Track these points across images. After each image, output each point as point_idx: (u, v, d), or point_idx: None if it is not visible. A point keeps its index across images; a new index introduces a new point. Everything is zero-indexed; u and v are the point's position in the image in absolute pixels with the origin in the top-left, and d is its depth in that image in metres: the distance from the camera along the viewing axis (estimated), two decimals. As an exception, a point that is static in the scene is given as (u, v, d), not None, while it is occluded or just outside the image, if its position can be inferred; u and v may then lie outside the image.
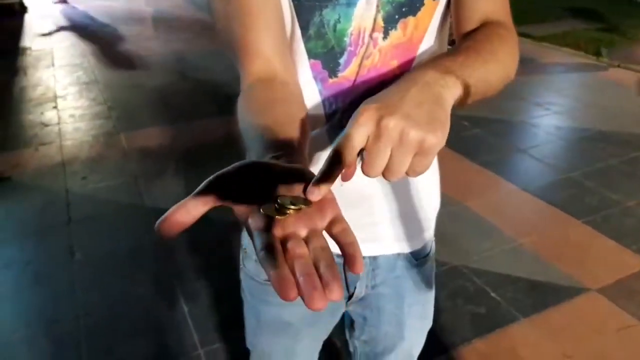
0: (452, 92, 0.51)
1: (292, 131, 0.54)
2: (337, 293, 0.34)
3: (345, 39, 0.70)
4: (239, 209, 0.42)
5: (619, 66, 5.32)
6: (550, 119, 4.07)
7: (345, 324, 1.07)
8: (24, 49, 5.95)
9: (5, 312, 2.12)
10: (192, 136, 3.73)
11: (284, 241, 0.38)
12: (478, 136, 3.63)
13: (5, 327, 2.03)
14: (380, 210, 0.84)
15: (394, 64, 0.73)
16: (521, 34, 6.24)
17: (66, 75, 5.08)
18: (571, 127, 3.96)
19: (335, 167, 0.44)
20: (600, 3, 7.81)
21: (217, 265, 2.36)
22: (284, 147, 0.49)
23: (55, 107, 4.27)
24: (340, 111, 0.75)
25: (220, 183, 0.41)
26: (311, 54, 0.71)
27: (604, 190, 2.99)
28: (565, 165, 3.37)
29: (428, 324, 1.06)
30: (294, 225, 0.39)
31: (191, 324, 2.02)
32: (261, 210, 0.40)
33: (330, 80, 0.73)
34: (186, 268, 2.33)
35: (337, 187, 0.80)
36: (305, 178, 0.43)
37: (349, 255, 0.38)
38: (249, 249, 0.92)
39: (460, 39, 0.72)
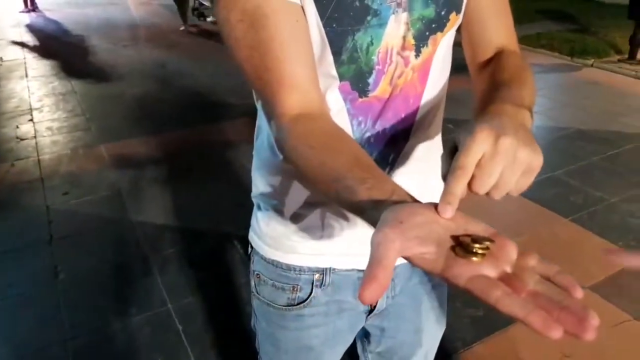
0: (529, 122, 0.56)
1: (371, 163, 0.54)
2: (596, 317, 0.35)
3: (373, 57, 0.69)
4: (426, 259, 0.41)
5: (592, 66, 5.44)
6: (530, 119, 4.13)
7: (357, 338, 1.05)
8: (-5, 60, 5.81)
9: (-11, 337, 2.03)
10: (175, 145, 3.67)
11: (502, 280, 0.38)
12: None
13: (-10, 354, 1.95)
14: None
15: (414, 77, 0.73)
16: (496, 36, 6.34)
17: (41, 86, 4.96)
18: (550, 127, 4.03)
19: (459, 182, 0.45)
20: (571, 5, 8.01)
21: (209, 281, 2.31)
22: (384, 184, 0.50)
23: (31, 120, 4.16)
24: (369, 130, 0.74)
25: (396, 235, 0.40)
26: (342, 77, 0.70)
27: (588, 187, 3.04)
28: (549, 164, 3.40)
29: (442, 328, 1.06)
30: (496, 265, 0.40)
31: (186, 342, 1.97)
32: (457, 253, 0.39)
33: (360, 100, 0.72)
34: (178, 284, 2.28)
35: None
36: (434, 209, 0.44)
37: (568, 284, 0.39)
38: (263, 274, 0.88)
39: (476, 68, 0.75)
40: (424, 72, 0.74)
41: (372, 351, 1.02)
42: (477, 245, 0.39)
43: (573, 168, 3.29)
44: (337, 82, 0.70)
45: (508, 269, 0.40)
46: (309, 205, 0.80)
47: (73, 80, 5.07)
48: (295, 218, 0.82)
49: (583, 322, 0.35)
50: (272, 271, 0.86)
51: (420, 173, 0.80)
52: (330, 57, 0.67)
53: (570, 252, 2.47)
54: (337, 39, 0.66)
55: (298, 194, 0.80)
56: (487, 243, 0.40)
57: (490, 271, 0.39)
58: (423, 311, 0.96)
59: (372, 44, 0.67)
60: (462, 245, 0.40)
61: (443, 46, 0.74)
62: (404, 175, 0.79)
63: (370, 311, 0.91)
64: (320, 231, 0.82)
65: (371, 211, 0.45)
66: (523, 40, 6.23)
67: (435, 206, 0.44)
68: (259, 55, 0.62)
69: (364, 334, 1.01)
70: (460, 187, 0.44)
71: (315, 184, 0.56)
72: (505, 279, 0.38)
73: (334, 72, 0.69)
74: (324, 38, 0.65)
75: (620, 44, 5.79)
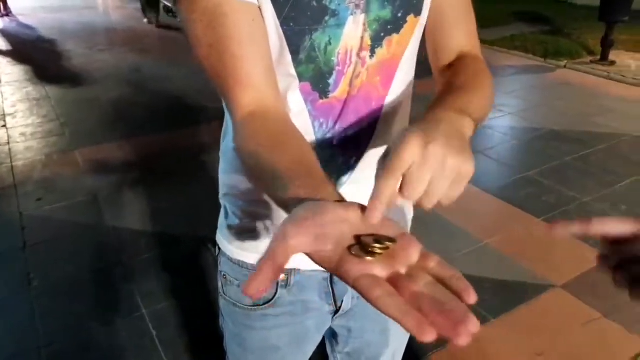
0: (469, 129, 0.55)
1: (313, 163, 0.54)
2: (475, 322, 0.34)
3: (333, 58, 0.70)
4: (322, 256, 0.41)
5: (565, 67, 5.55)
6: (504, 121, 4.20)
7: (326, 338, 1.06)
8: (-33, 66, 5.70)
9: (-40, 347, 2.00)
10: (151, 149, 3.65)
11: (389, 282, 0.38)
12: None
13: (-40, 364, 1.91)
14: None
15: (377, 80, 0.74)
16: (473, 38, 6.43)
17: (15, 91, 4.88)
18: (525, 128, 4.09)
19: (386, 187, 0.45)
20: (545, 7, 8.15)
21: (185, 285, 2.30)
22: (315, 182, 0.50)
23: (4, 126, 4.08)
24: (330, 131, 0.75)
25: (294, 232, 0.40)
26: (301, 77, 0.71)
27: (560, 187, 3.10)
28: (522, 164, 3.47)
29: None
30: (391, 265, 0.39)
31: (160, 348, 1.96)
32: (352, 252, 0.39)
33: (321, 102, 0.73)
34: (152, 289, 2.26)
35: None
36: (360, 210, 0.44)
37: (461, 289, 0.38)
38: (229, 275, 0.89)
39: (439, 72, 0.76)
40: (388, 75, 0.75)
41: (341, 351, 1.03)
42: (377, 246, 0.39)
43: (546, 168, 3.35)
44: (297, 82, 0.71)
45: (402, 270, 0.39)
46: (272, 205, 0.81)
47: (47, 86, 4.99)
48: (260, 219, 0.83)
49: (458, 326, 0.34)
50: (238, 272, 0.87)
51: None
52: (288, 57, 0.68)
53: (542, 251, 2.52)
54: (294, 38, 0.67)
55: (262, 194, 0.80)
56: (388, 243, 0.40)
57: (381, 271, 0.38)
58: None
59: (330, 44, 0.68)
60: (361, 245, 0.40)
61: (410, 49, 0.75)
62: (368, 179, 0.80)
63: (336, 312, 0.92)
64: None
65: (293, 207, 0.45)
66: (497, 42, 6.34)
67: (359, 207, 0.44)
68: (216, 53, 0.63)
69: (332, 335, 1.02)
70: (386, 193, 0.44)
71: (257, 182, 0.57)
72: (395, 279, 0.38)
73: (292, 71, 0.70)
74: (281, 37, 0.66)
75: (592, 46, 5.91)
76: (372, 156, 0.80)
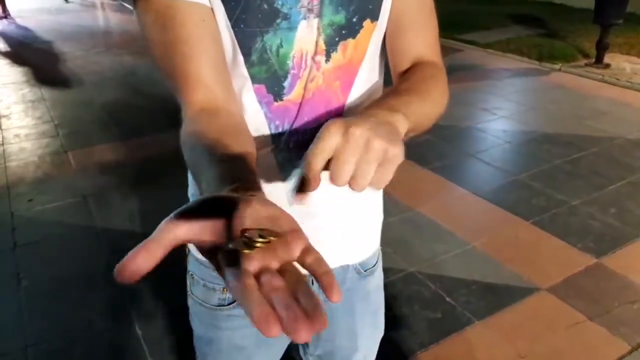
0: (402, 125, 0.55)
1: (245, 162, 0.55)
2: (322, 322, 0.34)
3: (288, 62, 0.71)
4: (205, 246, 0.41)
5: (560, 70, 5.56)
6: (497, 124, 4.21)
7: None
8: (-36, 67, 5.71)
9: (-54, 346, 2.01)
10: (143, 152, 3.66)
11: (257, 276, 0.37)
12: (428, 142, 3.71)
13: (-54, 363, 1.92)
14: (325, 227, 0.85)
15: (336, 85, 0.74)
16: (468, 42, 6.45)
17: (11, 93, 4.90)
18: (517, 131, 4.10)
19: (309, 171, 0.46)
20: (542, 10, 8.16)
21: (170, 287, 2.29)
22: (240, 179, 0.49)
23: (-2, 127, 4.10)
24: (286, 134, 0.75)
25: (182, 220, 0.40)
26: (255, 79, 0.71)
27: (550, 190, 3.10)
28: (513, 167, 3.48)
29: (380, 332, 1.07)
30: (265, 259, 0.39)
31: (145, 347, 1.97)
32: (230, 245, 0.39)
33: (276, 104, 0.73)
34: (139, 290, 2.27)
35: (285, 207, 0.80)
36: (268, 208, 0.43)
37: (326, 285, 0.38)
38: (196, 274, 0.90)
39: (396, 78, 0.76)
40: (347, 80, 0.75)
41: (312, 354, 1.04)
42: (259, 240, 0.39)
43: (536, 171, 3.36)
44: (249, 82, 0.71)
45: (275, 264, 0.39)
46: None
47: (43, 88, 5.01)
48: None
49: (299, 322, 0.33)
50: (203, 271, 0.88)
51: None
52: (241, 58, 0.69)
53: (529, 254, 2.52)
54: (245, 40, 0.68)
55: None
56: (271, 238, 0.39)
57: (251, 264, 0.37)
58: (357, 316, 0.98)
59: (282, 46, 0.69)
60: (243, 238, 0.39)
61: (370, 55, 0.75)
62: (325, 183, 0.80)
63: None
64: None
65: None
66: (492, 45, 6.34)
67: (259, 202, 0.43)
68: (167, 53, 0.65)
69: None
70: (311, 176, 0.45)
71: (194, 178, 0.57)
72: (262, 273, 0.37)
73: (245, 72, 0.70)
74: (233, 38, 0.68)
75: (587, 48, 5.91)
76: None
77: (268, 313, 0.33)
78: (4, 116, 4.33)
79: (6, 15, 8.12)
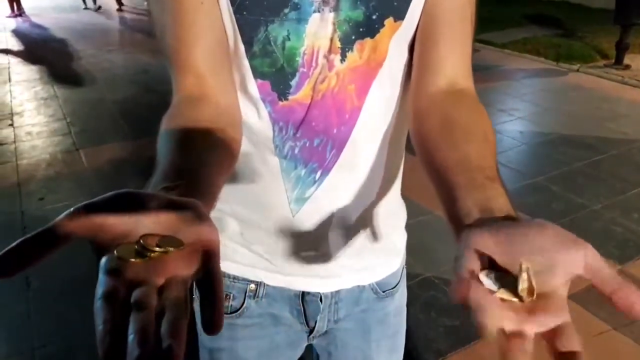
0: None
1: (204, 160, 0.50)
2: (175, 356, 0.29)
3: (298, 59, 0.63)
4: (98, 246, 0.36)
5: (578, 70, 5.45)
6: (514, 125, 4.13)
7: (312, 358, 1.01)
8: (-22, 65, 5.75)
9: (-46, 347, 1.99)
10: (154, 151, 3.61)
11: (131, 288, 0.33)
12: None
13: (-47, 364, 1.90)
14: (337, 246, 0.79)
15: (351, 88, 0.66)
16: (484, 42, 6.36)
17: (23, 90, 4.92)
18: (534, 132, 4.02)
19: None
20: (559, 10, 8.05)
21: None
22: (187, 176, 0.45)
23: (11, 125, 4.10)
24: (291, 138, 0.68)
25: (87, 213, 0.35)
26: (257, 73, 0.65)
27: (570, 194, 3.02)
28: (531, 170, 3.40)
29: (399, 357, 0.99)
30: (150, 271, 0.34)
31: (155, 350, 1.93)
32: (115, 251, 0.34)
33: (281, 104, 0.66)
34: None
35: (290, 221, 0.74)
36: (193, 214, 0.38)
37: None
38: None
39: (426, 97, 0.63)
40: (363, 85, 0.66)
41: None
42: (156, 249, 0.34)
43: (555, 174, 3.28)
44: (251, 76, 0.65)
45: (160, 280, 0.34)
46: (230, 212, 0.77)
47: (56, 85, 5.02)
48: (227, 224, 0.79)
49: (141, 346, 0.29)
50: None
51: (356, 195, 0.73)
52: (241, 47, 0.63)
53: (550, 259, 2.45)
54: (247, 28, 0.62)
55: (225, 198, 0.74)
56: (170, 248, 0.35)
57: (135, 274, 0.33)
58: (373, 340, 0.90)
59: (289, 39, 0.62)
60: (138, 244, 0.35)
61: (392, 59, 0.65)
62: (332, 200, 0.73)
63: (310, 331, 0.86)
64: (244, 240, 0.79)
65: None
66: (509, 45, 6.26)
67: (187, 204, 0.38)
68: (164, 35, 0.62)
69: (316, 356, 0.97)
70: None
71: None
72: (138, 285, 0.33)
73: (246, 63, 0.65)
74: (234, 25, 0.62)
75: (606, 49, 5.80)
76: (341, 173, 0.71)
77: (110, 334, 0.29)
78: (17, 113, 4.34)
79: (20, 13, 8.17)
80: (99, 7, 8.82)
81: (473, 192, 0.48)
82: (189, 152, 0.51)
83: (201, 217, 0.38)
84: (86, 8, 8.81)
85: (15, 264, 0.32)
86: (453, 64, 0.64)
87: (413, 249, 2.77)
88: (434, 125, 0.60)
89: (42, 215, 2.85)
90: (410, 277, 2.26)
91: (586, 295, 2.17)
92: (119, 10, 8.71)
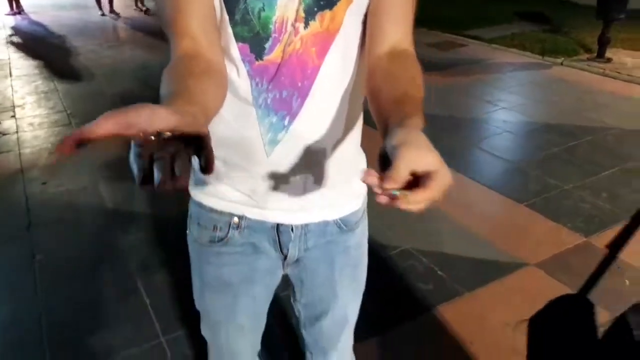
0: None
1: (198, 100, 0.64)
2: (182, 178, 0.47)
3: (270, 26, 0.81)
4: (128, 136, 0.50)
5: (562, 64, 5.62)
6: (498, 114, 4.29)
7: (291, 289, 1.16)
8: (-20, 61, 5.89)
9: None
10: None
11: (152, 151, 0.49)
12: (431, 132, 3.79)
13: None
14: (305, 185, 0.95)
15: (312, 50, 0.83)
16: (472, 37, 6.52)
17: (24, 84, 5.06)
18: (519, 121, 4.19)
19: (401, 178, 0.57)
20: (547, 6, 8.21)
21: (177, 259, 2.42)
22: (185, 96, 0.61)
23: (13, 116, 4.25)
24: (265, 91, 0.85)
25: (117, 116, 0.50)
26: (238, 38, 0.82)
27: (545, 176, 3.19)
28: (512, 156, 3.57)
29: (360, 286, 1.15)
30: (161, 141, 0.50)
31: (153, 314, 2.09)
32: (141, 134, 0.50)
33: (257, 63, 0.83)
34: (148, 264, 2.40)
35: (265, 162, 0.89)
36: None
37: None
38: (193, 214, 1.02)
39: (372, 58, 0.82)
40: (322, 47, 0.83)
41: (299, 301, 1.13)
42: (167, 133, 0.49)
43: (534, 159, 3.45)
44: (233, 40, 0.82)
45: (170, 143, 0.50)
46: (217, 156, 0.93)
47: (56, 80, 5.16)
48: (215, 167, 0.94)
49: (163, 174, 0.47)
50: (198, 211, 1.00)
51: (319, 140, 0.90)
52: (226, 16, 0.80)
53: (521, 233, 2.62)
54: (231, 1, 0.79)
55: (213, 145, 0.90)
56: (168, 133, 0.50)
57: (152, 143, 0.49)
58: (337, 267, 1.06)
59: (263, 10, 0.80)
60: (152, 138, 0.49)
61: (346, 28, 0.82)
62: (300, 140, 0.89)
63: (285, 258, 1.02)
64: (228, 179, 0.94)
65: None
66: (496, 40, 6.42)
67: (185, 114, 0.54)
68: (163, 6, 0.78)
69: (292, 288, 1.12)
70: (398, 180, 0.56)
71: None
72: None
73: (230, 30, 0.81)
74: None
75: (590, 44, 5.97)
76: (305, 119, 0.86)
77: (143, 177, 0.48)
78: (18, 106, 4.49)
79: (20, 10, 8.31)
80: (118, 14, 8.56)
81: (397, 114, 0.67)
82: (188, 94, 0.65)
83: (186, 114, 0.54)
84: (103, 15, 8.53)
85: (69, 147, 0.48)
86: (395, 31, 0.81)
87: (392, 224, 2.93)
88: (378, 79, 0.78)
89: (44, 198, 3.01)
90: (390, 248, 2.43)
91: (551, 263, 2.35)
92: (146, 13, 8.66)
